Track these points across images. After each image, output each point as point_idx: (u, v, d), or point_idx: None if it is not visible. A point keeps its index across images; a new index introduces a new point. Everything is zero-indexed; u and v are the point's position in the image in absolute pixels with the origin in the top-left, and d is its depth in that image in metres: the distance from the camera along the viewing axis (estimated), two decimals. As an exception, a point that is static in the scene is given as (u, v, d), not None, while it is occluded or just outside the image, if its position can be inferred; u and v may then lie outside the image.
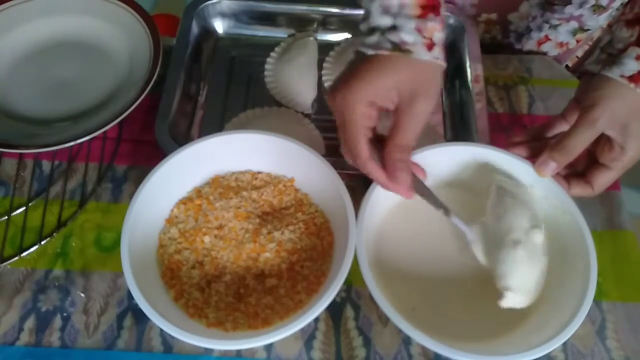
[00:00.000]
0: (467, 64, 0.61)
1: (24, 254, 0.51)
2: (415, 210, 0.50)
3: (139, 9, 0.62)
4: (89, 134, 0.53)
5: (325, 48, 0.64)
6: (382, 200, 0.48)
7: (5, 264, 0.51)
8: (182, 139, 0.56)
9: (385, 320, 0.49)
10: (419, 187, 0.44)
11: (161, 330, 0.46)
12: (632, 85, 0.43)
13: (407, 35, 0.38)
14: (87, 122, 0.57)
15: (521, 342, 0.43)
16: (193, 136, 0.59)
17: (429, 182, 0.46)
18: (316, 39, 0.65)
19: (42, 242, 0.52)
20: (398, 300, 0.44)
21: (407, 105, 0.39)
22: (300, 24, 0.66)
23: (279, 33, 0.67)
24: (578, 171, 0.49)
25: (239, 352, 0.48)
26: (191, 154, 0.49)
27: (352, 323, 0.49)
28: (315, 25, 0.66)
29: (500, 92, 0.64)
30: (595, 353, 0.48)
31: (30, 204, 0.54)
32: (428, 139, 0.56)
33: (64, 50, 0.64)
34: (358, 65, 0.40)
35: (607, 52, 0.46)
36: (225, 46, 0.67)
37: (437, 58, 0.39)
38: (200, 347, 0.45)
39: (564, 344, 0.42)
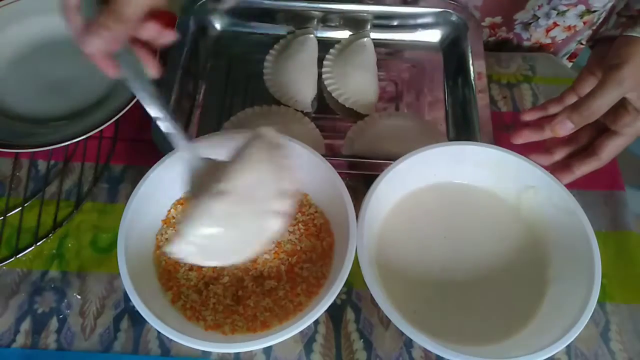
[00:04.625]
0: (470, 62, 0.60)
1: (20, 255, 0.51)
2: (417, 210, 0.49)
3: (136, 6, 0.62)
4: (85, 133, 0.52)
5: (326, 45, 0.63)
6: (383, 200, 0.47)
7: (1, 265, 0.50)
8: (180, 138, 0.56)
9: (386, 322, 0.48)
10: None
11: (158, 332, 0.45)
12: None
13: None
14: (83, 121, 0.56)
15: (524, 345, 0.42)
16: (191, 135, 0.58)
17: (431, 180, 0.45)
18: (316, 36, 0.64)
19: (38, 243, 0.51)
20: (399, 303, 0.44)
21: None
22: (300, 20, 0.66)
23: (278, 30, 0.66)
24: (582, 145, 0.48)
25: (237, 355, 0.47)
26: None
27: (352, 326, 0.48)
28: (315, 22, 0.66)
29: (504, 91, 0.63)
30: (599, 355, 0.48)
31: (26, 205, 0.54)
32: (430, 137, 0.55)
33: (60, 48, 0.63)
34: None
35: (625, 15, 0.45)
36: (223, 43, 0.66)
37: None
38: (198, 350, 0.44)
39: (568, 346, 0.41)
